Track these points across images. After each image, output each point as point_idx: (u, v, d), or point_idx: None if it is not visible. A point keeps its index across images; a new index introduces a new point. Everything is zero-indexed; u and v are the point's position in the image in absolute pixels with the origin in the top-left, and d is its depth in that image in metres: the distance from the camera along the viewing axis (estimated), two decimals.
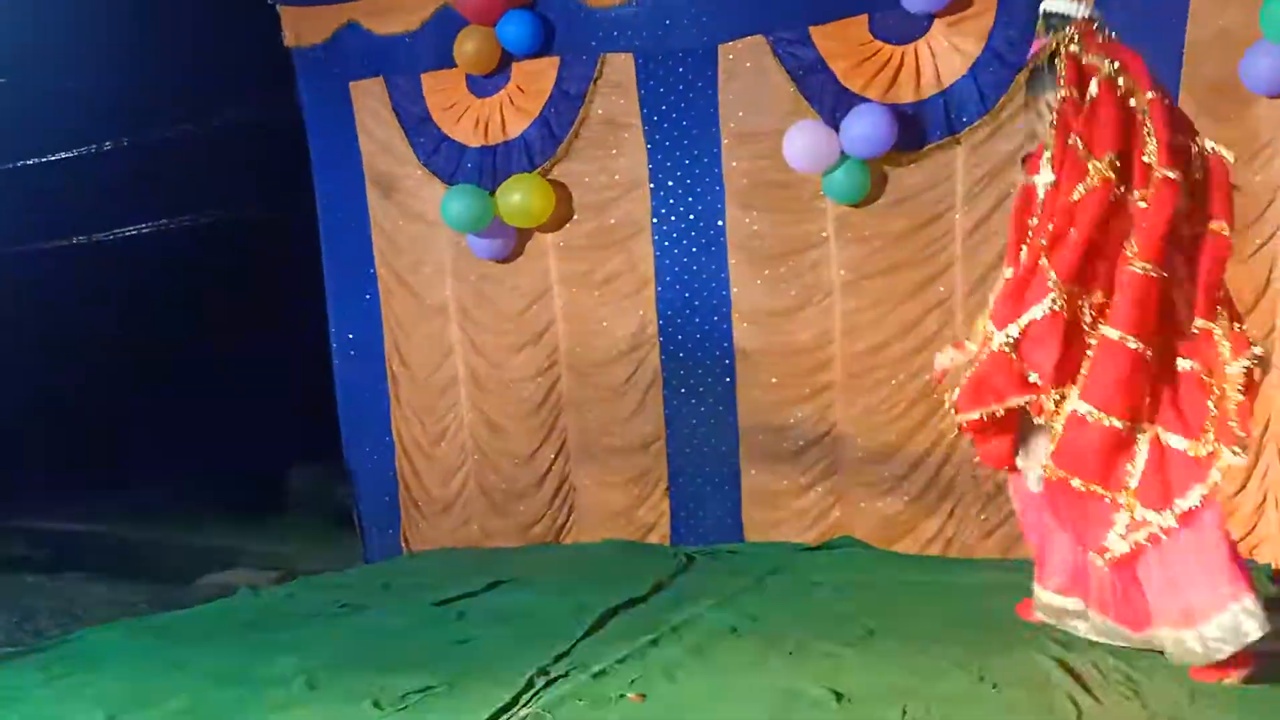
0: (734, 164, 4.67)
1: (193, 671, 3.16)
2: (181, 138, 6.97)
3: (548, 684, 2.79)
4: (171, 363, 7.69)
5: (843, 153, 4.36)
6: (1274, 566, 3.82)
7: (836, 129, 4.36)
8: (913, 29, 4.37)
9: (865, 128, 4.27)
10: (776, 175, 4.56)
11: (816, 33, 4.48)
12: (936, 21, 4.33)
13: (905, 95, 4.39)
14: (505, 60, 4.94)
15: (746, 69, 4.61)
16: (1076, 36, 2.77)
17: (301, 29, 5.20)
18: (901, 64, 4.40)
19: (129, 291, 7.60)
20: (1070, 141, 2.67)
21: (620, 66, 4.77)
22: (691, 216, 4.76)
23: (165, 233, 7.51)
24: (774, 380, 4.68)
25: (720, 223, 4.72)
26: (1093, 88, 2.68)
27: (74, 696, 2.91)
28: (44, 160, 7.14)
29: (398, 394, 5.24)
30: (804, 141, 4.37)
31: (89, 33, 6.32)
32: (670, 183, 4.78)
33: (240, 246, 7.09)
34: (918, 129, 4.37)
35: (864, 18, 4.43)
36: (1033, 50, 2.91)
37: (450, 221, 4.90)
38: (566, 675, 2.86)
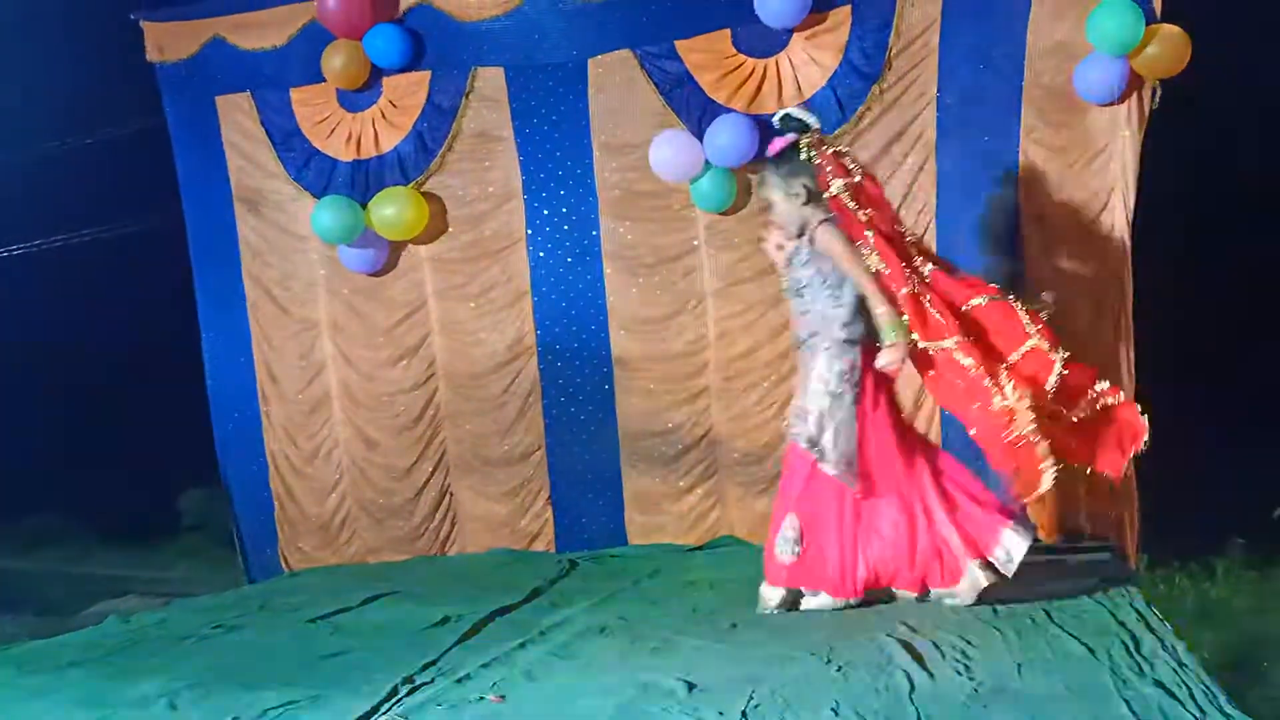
0: (606, 175, 4.76)
1: (51, 698, 3.05)
2: (49, 156, 6.76)
3: (410, 691, 2.79)
4: (51, 386, 7.43)
5: (707, 162, 4.48)
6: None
7: (702, 139, 4.48)
8: (773, 43, 4.53)
9: (727, 137, 4.40)
10: (647, 186, 4.66)
11: (682, 47, 4.61)
12: (795, 36, 4.50)
13: (769, 106, 4.52)
14: (375, 75, 4.94)
15: (615, 82, 4.71)
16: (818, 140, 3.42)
17: (165, 44, 5.10)
18: (764, 76, 4.55)
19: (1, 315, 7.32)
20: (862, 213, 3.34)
21: (491, 80, 4.82)
22: (566, 227, 4.83)
23: (38, 253, 7.27)
24: (651, 387, 4.78)
25: (594, 233, 4.80)
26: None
27: None
28: None
29: (268, 412, 5.17)
30: (667, 151, 4.48)
31: None
32: (544, 194, 4.84)
33: (113, 266, 6.91)
34: None
35: (726, 32, 4.57)
36: (780, 145, 3.42)
37: (321, 233, 4.87)
38: (432, 682, 2.88)
